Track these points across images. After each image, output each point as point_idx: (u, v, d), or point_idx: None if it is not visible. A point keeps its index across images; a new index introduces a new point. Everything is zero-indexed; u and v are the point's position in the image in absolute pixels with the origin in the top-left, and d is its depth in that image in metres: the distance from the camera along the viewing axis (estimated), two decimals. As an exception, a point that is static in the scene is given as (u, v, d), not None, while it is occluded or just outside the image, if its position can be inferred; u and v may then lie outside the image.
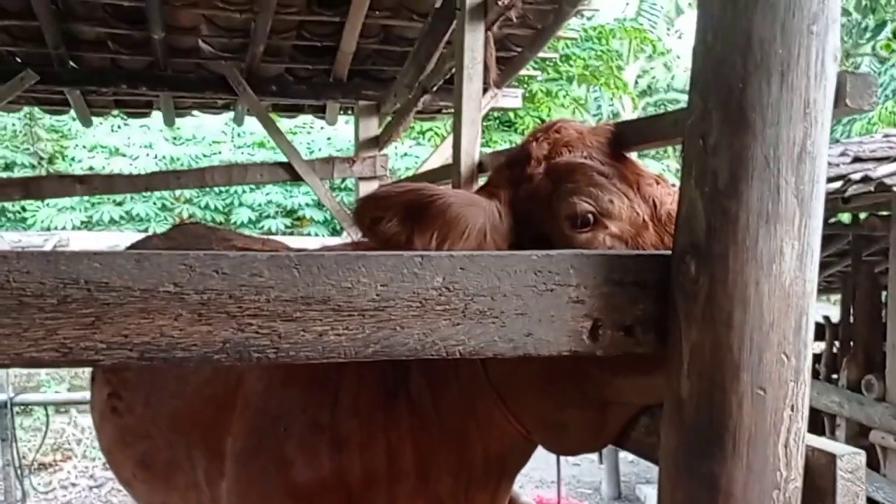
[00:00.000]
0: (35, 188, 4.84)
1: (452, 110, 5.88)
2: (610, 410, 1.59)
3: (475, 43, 2.58)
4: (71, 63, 4.64)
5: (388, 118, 5.00)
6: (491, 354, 1.17)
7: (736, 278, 1.09)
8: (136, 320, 1.03)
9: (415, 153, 16.43)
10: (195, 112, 5.82)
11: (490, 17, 2.65)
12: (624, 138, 1.65)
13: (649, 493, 7.49)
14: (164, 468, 2.46)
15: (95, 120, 5.59)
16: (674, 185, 1.57)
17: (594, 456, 8.46)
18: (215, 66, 4.77)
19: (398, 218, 1.42)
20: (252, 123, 16.70)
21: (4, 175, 14.58)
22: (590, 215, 1.44)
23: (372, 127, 5.24)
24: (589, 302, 1.20)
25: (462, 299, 1.15)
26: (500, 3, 2.62)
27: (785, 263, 1.08)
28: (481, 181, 2.87)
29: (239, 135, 18.08)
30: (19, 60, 4.56)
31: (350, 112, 5.60)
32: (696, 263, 1.12)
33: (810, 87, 1.06)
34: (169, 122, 5.64)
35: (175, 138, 17.87)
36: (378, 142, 5.22)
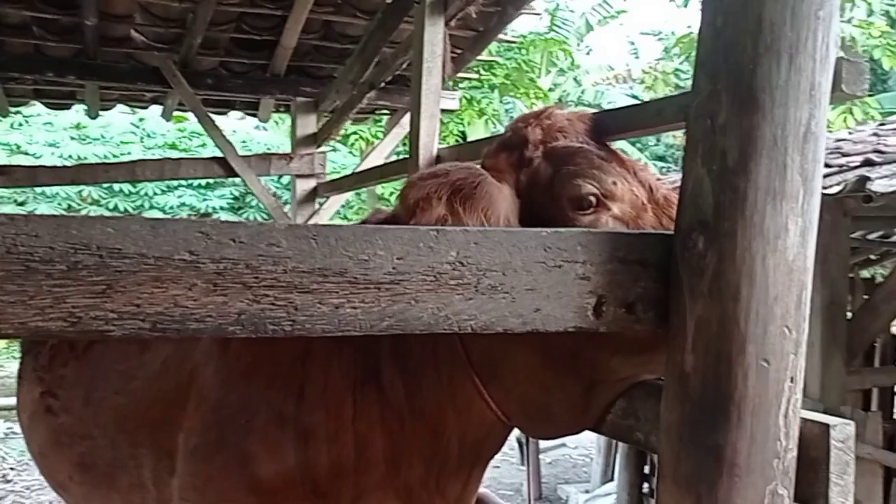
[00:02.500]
0: (-53, 178, 4.57)
1: (387, 112, 5.90)
2: (595, 392, 1.61)
3: (435, 37, 2.58)
4: (-10, 49, 4.40)
5: (326, 116, 4.95)
6: (501, 330, 1.17)
7: (744, 253, 1.12)
8: (150, 289, 0.98)
9: (332, 158, 16.23)
10: (121, 105, 5.60)
11: (449, 12, 2.66)
12: (604, 127, 1.69)
13: (570, 493, 7.63)
14: (106, 469, 2.34)
15: None
16: (653, 174, 1.62)
17: (516, 457, 8.56)
18: (148, 56, 4.61)
19: (446, 199, 1.41)
20: (160, 124, 16.13)
21: None
22: (592, 197, 1.46)
23: (310, 124, 5.17)
24: (594, 279, 1.22)
25: (475, 274, 1.15)
26: (460, -2, 2.65)
27: (789, 239, 1.13)
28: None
29: (149, 135, 17.50)
30: (-66, 43, 4.30)
31: (283, 110, 5.51)
32: (703, 239, 1.16)
33: (816, 70, 1.11)
34: (93, 114, 5.41)
35: (82, 137, 17.12)
36: (316, 139, 5.15)
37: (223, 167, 4.89)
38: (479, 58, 7.64)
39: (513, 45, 15.84)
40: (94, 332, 0.96)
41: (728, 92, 1.13)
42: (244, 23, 4.44)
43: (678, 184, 1.25)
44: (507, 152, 1.61)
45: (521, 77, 16.30)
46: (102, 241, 0.96)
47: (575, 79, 20.29)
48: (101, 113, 5.40)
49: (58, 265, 0.94)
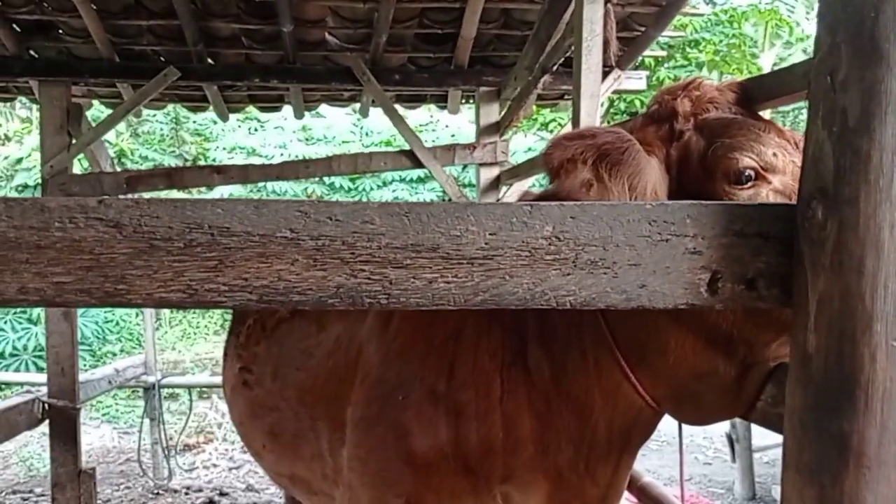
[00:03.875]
0: (178, 178, 5.16)
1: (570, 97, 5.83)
2: (749, 376, 1.52)
3: (594, 15, 2.53)
4: (209, 60, 4.91)
5: (508, 104, 5.00)
6: (603, 306, 1.15)
7: (868, 222, 1.01)
8: (256, 264, 1.07)
9: (539, 148, 16.31)
10: (324, 105, 6.03)
11: (610, -11, 2.60)
12: (751, 95, 1.59)
13: (786, 494, 7.11)
14: (291, 439, 2.55)
15: (234, 121, 5.90)
16: None
17: (727, 455, 8.13)
18: (341, 57, 4.91)
19: (591, 162, 1.38)
20: (378, 123, 17.02)
21: (152, 172, 15.61)
22: (751, 171, 1.38)
23: (493, 113, 5.24)
24: (707, 253, 1.15)
25: (572, 249, 1.13)
26: (621, -26, 2.57)
27: (922, 205, 1.00)
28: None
29: (367, 134, 18.56)
30: (162, 59, 4.87)
31: (471, 101, 5.64)
32: (823, 208, 1.06)
33: (949, 13, 0.98)
34: (298, 115, 5.86)
35: (307, 139, 18.58)
36: (498, 127, 5.22)
37: (410, 159, 5.10)
38: (680, 35, 7.34)
39: (722, 19, 14.99)
40: (208, 303, 1.07)
41: (848, 44, 1.02)
42: (426, 18, 4.59)
43: None
44: (655, 126, 1.55)
45: (737, 51, 15.31)
46: (213, 221, 1.06)
47: (804, 51, 18.74)
48: (305, 113, 5.84)
49: (176, 243, 1.06)
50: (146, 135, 17.18)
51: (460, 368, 1.94)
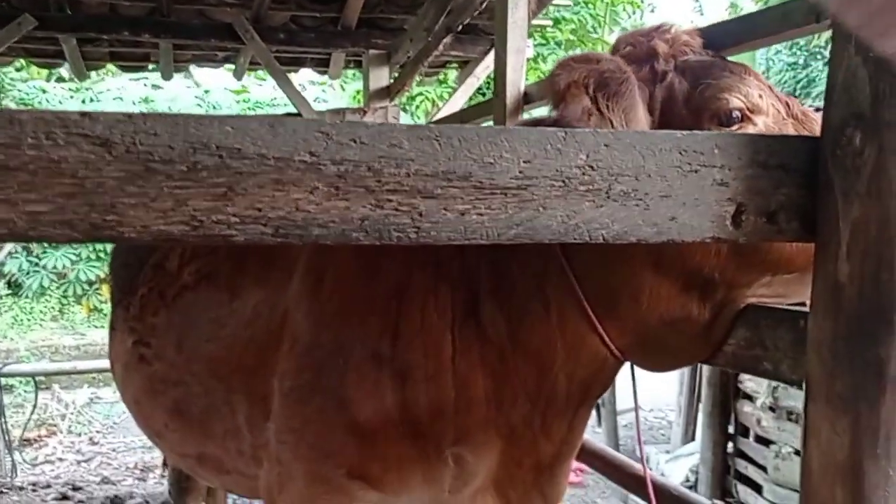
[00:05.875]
0: None
1: (457, 67, 5.79)
2: (720, 320, 1.52)
3: (519, -32, 2.47)
4: (68, 10, 4.44)
5: (399, 67, 4.88)
6: (634, 240, 1.09)
7: (911, 145, 1.01)
8: (271, 192, 0.93)
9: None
10: (193, 65, 5.64)
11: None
12: (718, 41, 1.58)
13: (651, 454, 7.51)
14: (200, 416, 2.35)
15: (65, 91, 5.40)
16: None
17: (593, 420, 8.48)
18: (220, 13, 4.60)
19: (593, 89, 1.34)
20: (224, 97, 16.33)
21: None
22: (738, 112, 1.36)
23: (382, 77, 5.10)
24: (733, 185, 1.12)
25: (606, 179, 1.06)
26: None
27: (964, 129, 1.01)
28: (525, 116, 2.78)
29: (214, 107, 17.84)
30: (15, 5, 4.35)
31: (353, 66, 5.47)
32: (860, 134, 1.05)
33: None
34: (167, 76, 5.46)
35: (150, 111, 17.60)
36: (389, 92, 5.10)
37: (298, 123, 4.88)
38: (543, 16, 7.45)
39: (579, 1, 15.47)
40: (216, 237, 0.92)
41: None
42: (315, -26, 4.39)
43: None
44: (635, 65, 1.51)
45: (585, 34, 15.88)
46: (221, 141, 0.91)
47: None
48: (174, 74, 5.45)
49: (177, 166, 0.90)
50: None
51: (406, 329, 1.83)
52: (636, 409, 1.90)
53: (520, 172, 1.03)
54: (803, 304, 1.38)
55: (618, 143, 1.07)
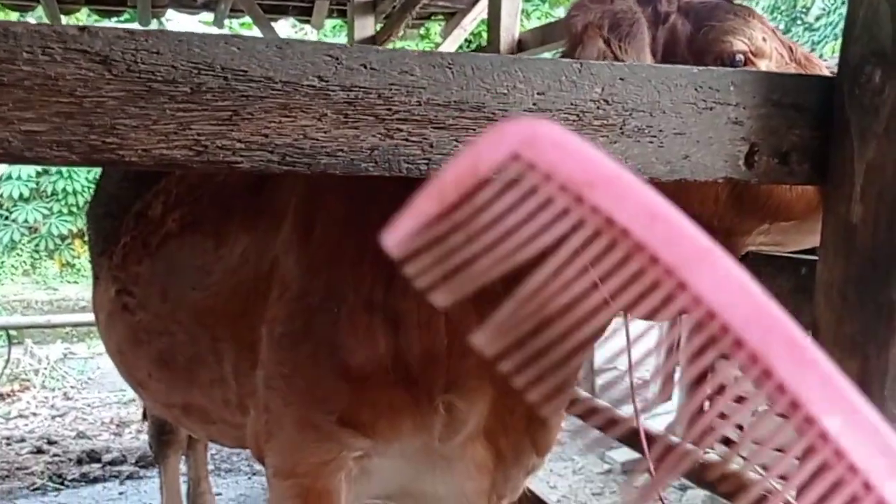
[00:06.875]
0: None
1: (443, 18, 5.69)
2: None
3: None
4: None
5: (384, 18, 4.78)
6: (646, 178, 1.06)
7: (932, 84, 0.99)
8: (277, 118, 0.89)
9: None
10: (171, 12, 5.49)
11: None
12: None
13: (627, 413, 7.61)
14: (186, 364, 2.32)
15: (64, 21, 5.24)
16: None
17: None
18: (199, -44, 4.47)
19: (606, 29, 1.31)
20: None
21: None
22: (742, 55, 1.34)
23: (367, 27, 5.00)
24: (747, 124, 1.10)
25: (620, 114, 1.03)
26: None
27: None
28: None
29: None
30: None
31: (336, 16, 5.35)
32: (881, 72, 1.02)
33: None
34: (145, 22, 5.30)
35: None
36: (375, 42, 4.99)
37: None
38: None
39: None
40: (221, 164, 0.88)
41: None
42: (299, -83, 4.26)
43: None
44: (638, 6, 1.48)
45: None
46: (227, 62, 0.86)
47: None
48: (151, 21, 5.28)
49: (181, 86, 0.85)
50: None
51: (399, 275, 1.80)
52: (630, 368, 1.90)
53: (533, 104, 0.99)
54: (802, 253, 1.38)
55: (633, 77, 1.04)
